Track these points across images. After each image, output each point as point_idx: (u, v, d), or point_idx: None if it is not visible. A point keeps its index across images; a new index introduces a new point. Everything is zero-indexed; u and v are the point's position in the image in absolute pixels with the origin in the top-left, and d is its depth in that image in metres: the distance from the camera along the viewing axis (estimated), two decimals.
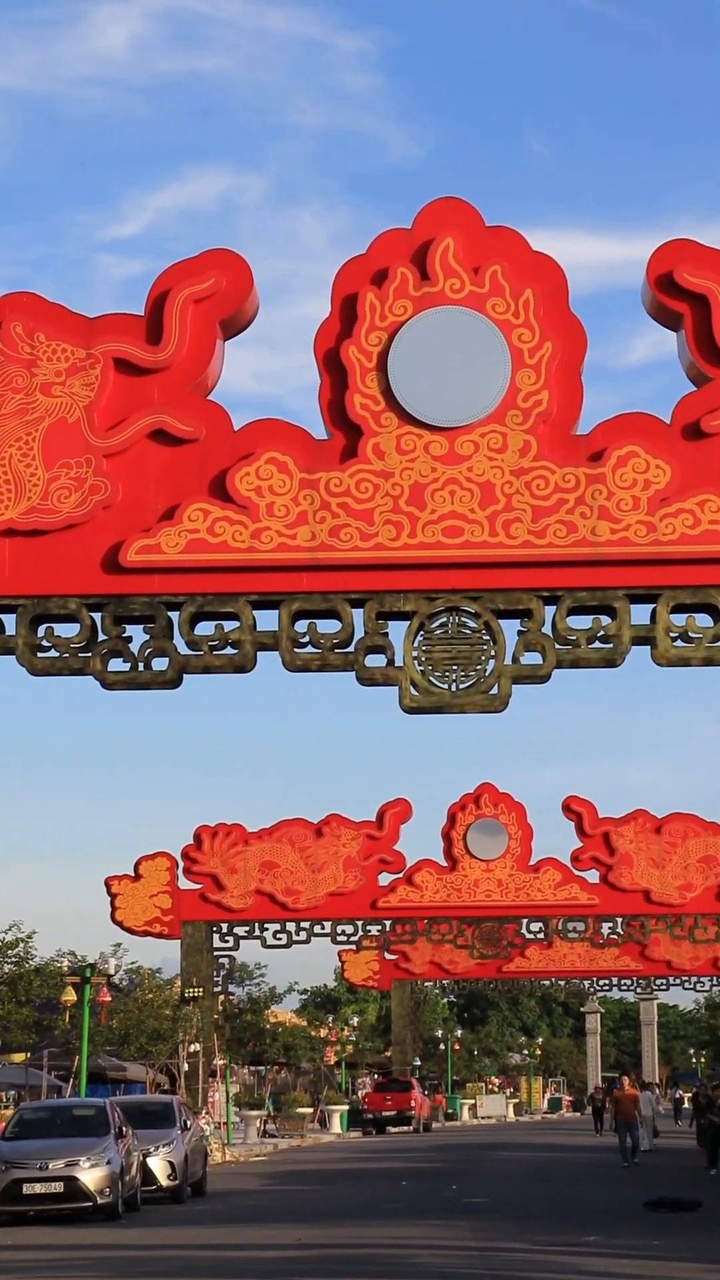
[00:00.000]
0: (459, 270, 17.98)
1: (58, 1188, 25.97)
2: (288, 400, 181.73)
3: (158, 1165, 30.06)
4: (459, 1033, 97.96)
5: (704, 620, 18.01)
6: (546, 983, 75.54)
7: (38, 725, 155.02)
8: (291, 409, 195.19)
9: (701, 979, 62.92)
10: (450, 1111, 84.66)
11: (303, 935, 49.20)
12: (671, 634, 17.95)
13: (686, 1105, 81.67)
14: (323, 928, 49.56)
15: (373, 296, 18.00)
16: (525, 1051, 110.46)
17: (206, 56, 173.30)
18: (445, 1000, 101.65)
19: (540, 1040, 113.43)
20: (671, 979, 63.38)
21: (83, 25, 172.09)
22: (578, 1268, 19.26)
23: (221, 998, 51.77)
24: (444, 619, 18.08)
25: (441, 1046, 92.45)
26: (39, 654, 18.15)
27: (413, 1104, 67.32)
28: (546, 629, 18.06)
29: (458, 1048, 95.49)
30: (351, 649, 18.09)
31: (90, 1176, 25.98)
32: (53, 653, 18.16)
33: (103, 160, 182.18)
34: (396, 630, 18.15)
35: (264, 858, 48.07)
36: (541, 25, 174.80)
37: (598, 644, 18.02)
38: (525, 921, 52.02)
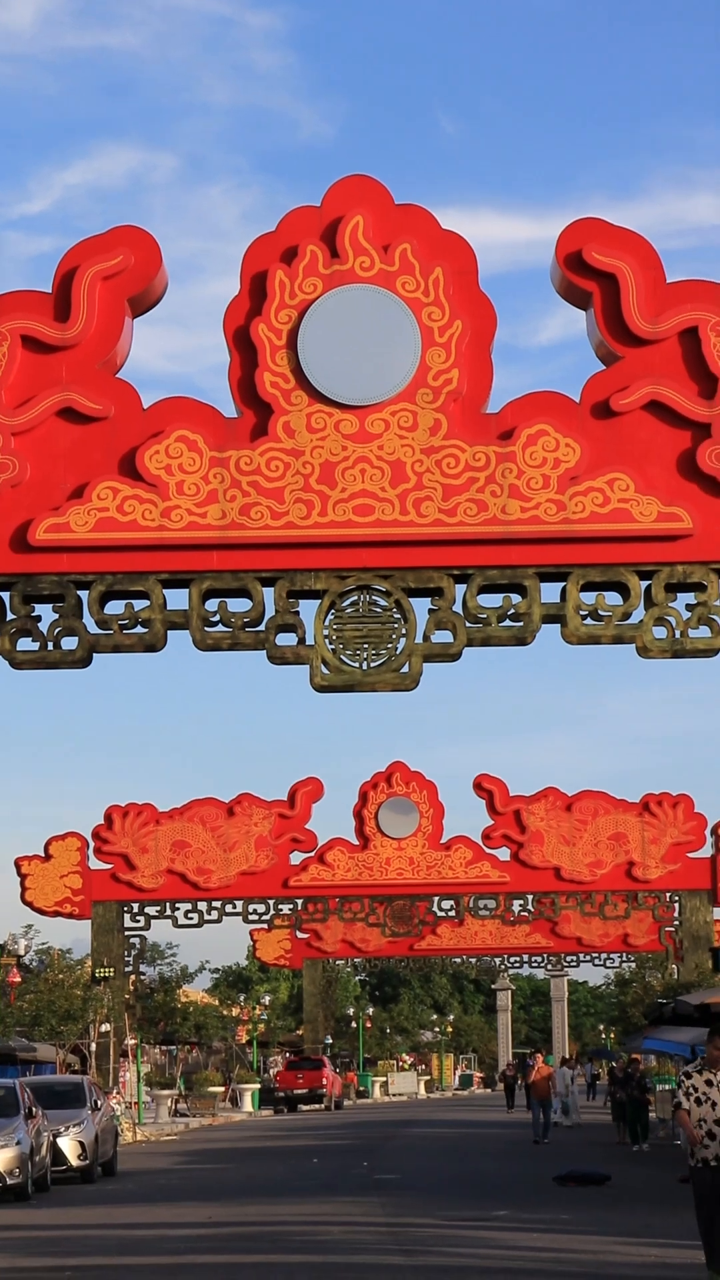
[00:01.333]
0: (369, 248, 17.96)
1: None
2: (199, 379, 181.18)
3: (68, 1145, 29.96)
4: (370, 1010, 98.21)
5: (613, 598, 18.09)
6: (458, 960, 75.76)
7: None
8: (202, 387, 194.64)
9: (611, 955, 63.29)
10: (362, 1089, 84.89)
11: (214, 914, 49.15)
12: (581, 612, 18.03)
13: (603, 1080, 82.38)
14: (234, 907, 49.53)
15: (282, 274, 17.94)
16: (437, 1029, 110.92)
17: (115, 33, 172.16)
18: (357, 978, 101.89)
19: (451, 1017, 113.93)
20: (581, 955, 63.74)
21: None
22: (487, 1242, 19.36)
23: (133, 978, 51.65)
24: (355, 597, 18.08)
25: (353, 1024, 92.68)
26: None
27: (324, 1082, 67.47)
28: (457, 607, 18.09)
29: (369, 1025, 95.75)
30: (262, 628, 18.06)
31: None
32: None
33: (10, 137, 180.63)
34: (307, 609, 18.17)
35: (175, 837, 47.97)
36: (451, 2, 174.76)
37: (508, 622, 18.07)
38: (436, 899, 52.16)
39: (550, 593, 18.14)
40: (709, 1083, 14.42)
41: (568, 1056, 70.23)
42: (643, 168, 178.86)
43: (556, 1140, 40.65)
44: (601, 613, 18.04)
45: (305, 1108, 67.16)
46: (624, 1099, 40.15)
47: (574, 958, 65.43)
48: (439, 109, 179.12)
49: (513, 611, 18.05)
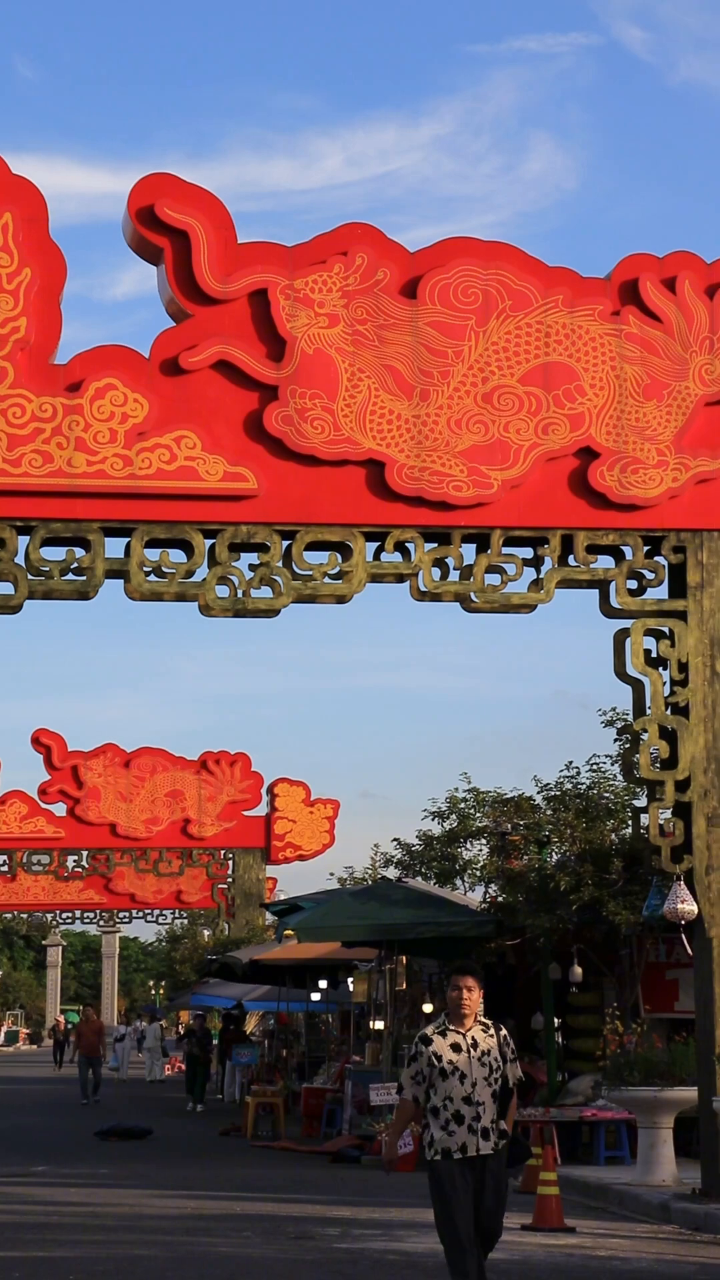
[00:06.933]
0: None
1: None
2: None
3: None
4: None
5: (178, 556, 18.14)
6: (8, 916, 75.06)
7: None
8: None
9: (164, 912, 63.65)
10: None
11: None
12: (145, 568, 18.02)
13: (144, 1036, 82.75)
14: None
15: None
16: None
17: None
18: None
19: (0, 973, 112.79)
20: (134, 912, 63.89)
21: None
22: (24, 1198, 19.28)
23: None
24: None
25: None
26: None
27: None
28: (19, 559, 17.88)
29: None
30: None
31: None
32: None
33: None
34: None
35: None
36: None
37: (71, 576, 17.94)
38: None
39: (115, 548, 18.09)
40: (456, 1047, 10.64)
41: (131, 1012, 70.31)
42: (220, 129, 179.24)
43: (109, 1097, 40.70)
44: (165, 570, 18.05)
45: None
46: (187, 1056, 40.40)
47: (126, 914, 65.55)
48: (16, 54, 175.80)
49: (76, 565, 17.92)
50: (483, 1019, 10.79)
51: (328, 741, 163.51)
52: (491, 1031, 10.74)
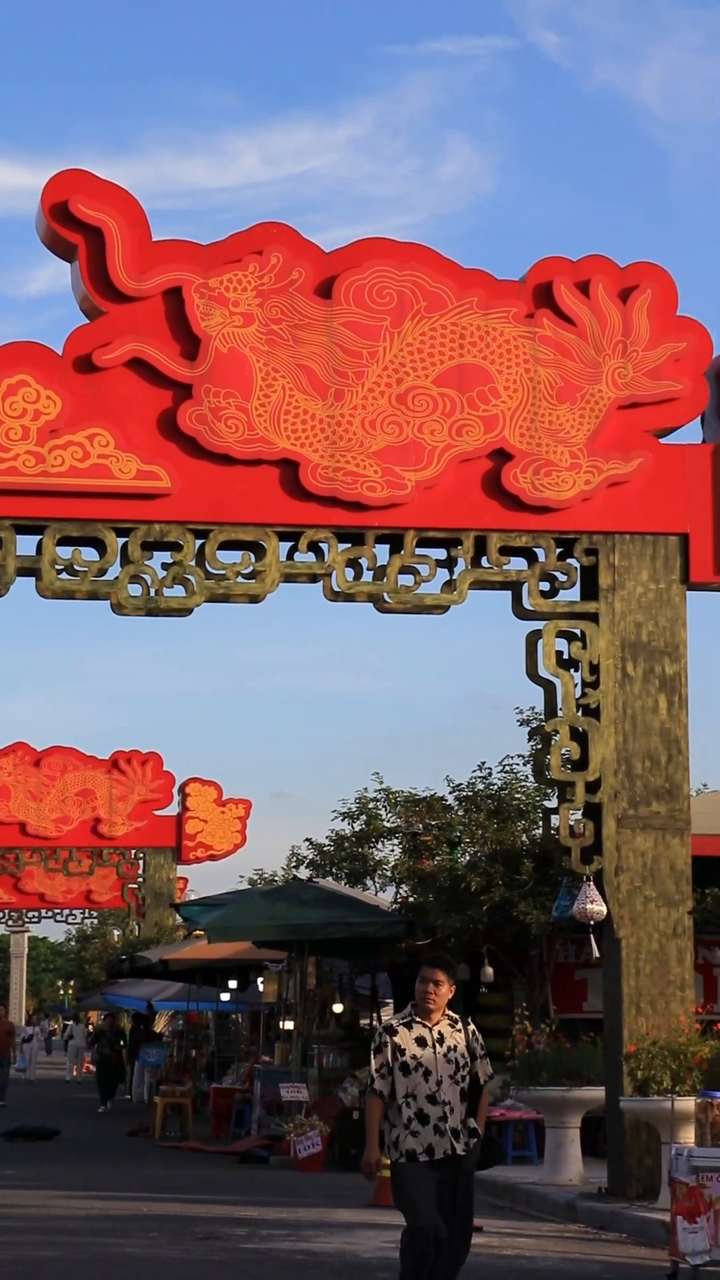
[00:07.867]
0: None
1: None
2: None
3: None
4: None
5: (90, 554, 18.07)
6: None
7: None
8: None
9: (74, 911, 63.34)
10: None
11: None
12: (57, 566, 17.94)
13: (57, 1035, 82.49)
14: None
15: None
16: None
17: None
18: None
19: None
20: (44, 911, 63.53)
21: None
22: None
23: None
24: None
25: None
26: None
27: None
28: None
29: None
30: None
31: None
32: None
33: None
34: None
35: None
36: None
37: None
38: None
39: (26, 545, 18.01)
40: (421, 1041, 10.15)
41: (39, 1012, 69.91)
42: (137, 127, 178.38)
43: (17, 1098, 40.42)
44: (77, 568, 17.98)
45: None
46: (98, 1056, 40.17)
47: (36, 914, 65.16)
48: None
49: None
50: (450, 1014, 10.30)
51: (240, 741, 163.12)
52: (459, 1026, 10.26)
